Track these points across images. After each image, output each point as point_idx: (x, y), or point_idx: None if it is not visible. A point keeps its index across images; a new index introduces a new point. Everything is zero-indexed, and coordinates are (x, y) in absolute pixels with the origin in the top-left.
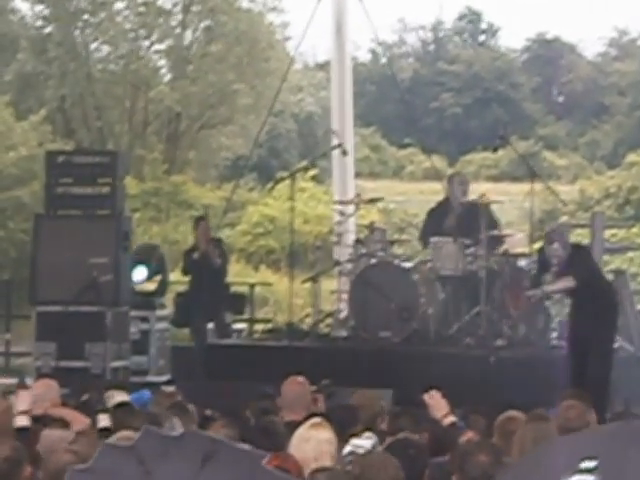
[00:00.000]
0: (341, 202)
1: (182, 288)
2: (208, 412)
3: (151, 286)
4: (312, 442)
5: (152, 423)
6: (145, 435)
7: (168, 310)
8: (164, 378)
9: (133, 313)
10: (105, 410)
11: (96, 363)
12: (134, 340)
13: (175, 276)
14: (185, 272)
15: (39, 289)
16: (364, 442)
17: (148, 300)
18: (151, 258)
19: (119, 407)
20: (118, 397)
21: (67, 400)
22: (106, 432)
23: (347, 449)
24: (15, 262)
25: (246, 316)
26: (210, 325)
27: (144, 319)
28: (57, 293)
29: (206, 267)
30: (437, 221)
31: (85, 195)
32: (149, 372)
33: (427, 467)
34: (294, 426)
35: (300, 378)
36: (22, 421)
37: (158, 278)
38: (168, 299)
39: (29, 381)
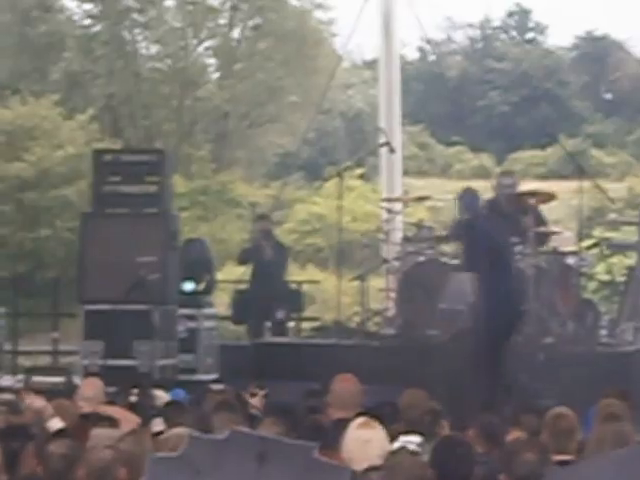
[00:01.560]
0: (389, 200)
1: (230, 286)
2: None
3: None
4: (364, 440)
5: (202, 421)
6: (193, 442)
7: (216, 309)
8: (212, 377)
9: (180, 312)
10: (160, 415)
11: (143, 361)
12: (181, 338)
13: (222, 274)
14: (252, 279)
15: (87, 288)
16: (414, 439)
17: (195, 299)
18: (199, 258)
19: (169, 405)
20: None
21: (114, 399)
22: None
23: (396, 445)
24: (62, 261)
25: (294, 314)
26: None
27: (191, 317)
28: (104, 292)
29: (263, 266)
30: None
31: (132, 194)
32: (197, 371)
33: (475, 466)
34: (344, 424)
35: (351, 376)
36: (56, 424)
37: (206, 277)
38: (215, 297)
39: (77, 380)
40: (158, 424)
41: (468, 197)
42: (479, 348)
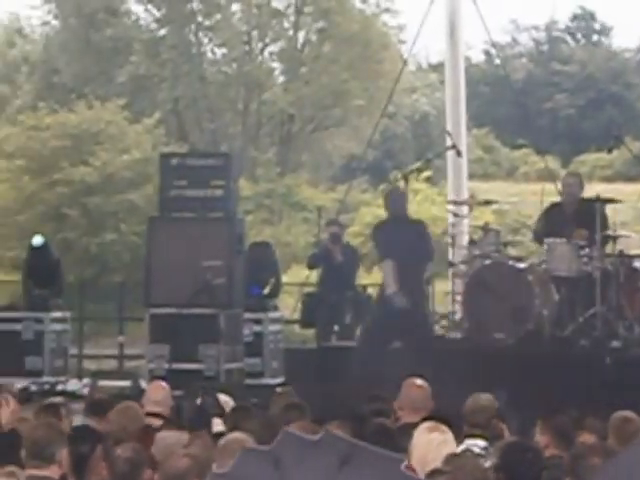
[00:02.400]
0: (455, 203)
1: (296, 289)
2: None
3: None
4: (437, 443)
5: (269, 425)
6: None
7: (281, 312)
8: (278, 380)
9: (246, 315)
10: (220, 414)
11: (210, 365)
12: (247, 342)
13: (288, 277)
14: (321, 283)
15: (152, 291)
16: (479, 442)
17: (261, 302)
18: (264, 260)
19: (235, 410)
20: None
21: (180, 402)
22: (220, 436)
23: (461, 447)
24: (128, 265)
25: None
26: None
27: (257, 321)
28: (170, 295)
29: (333, 269)
30: (551, 221)
31: (199, 197)
32: (264, 374)
33: (544, 470)
34: (412, 428)
35: (421, 379)
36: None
37: (271, 280)
38: (281, 300)
39: (143, 384)
40: (218, 424)
41: (393, 196)
42: None
